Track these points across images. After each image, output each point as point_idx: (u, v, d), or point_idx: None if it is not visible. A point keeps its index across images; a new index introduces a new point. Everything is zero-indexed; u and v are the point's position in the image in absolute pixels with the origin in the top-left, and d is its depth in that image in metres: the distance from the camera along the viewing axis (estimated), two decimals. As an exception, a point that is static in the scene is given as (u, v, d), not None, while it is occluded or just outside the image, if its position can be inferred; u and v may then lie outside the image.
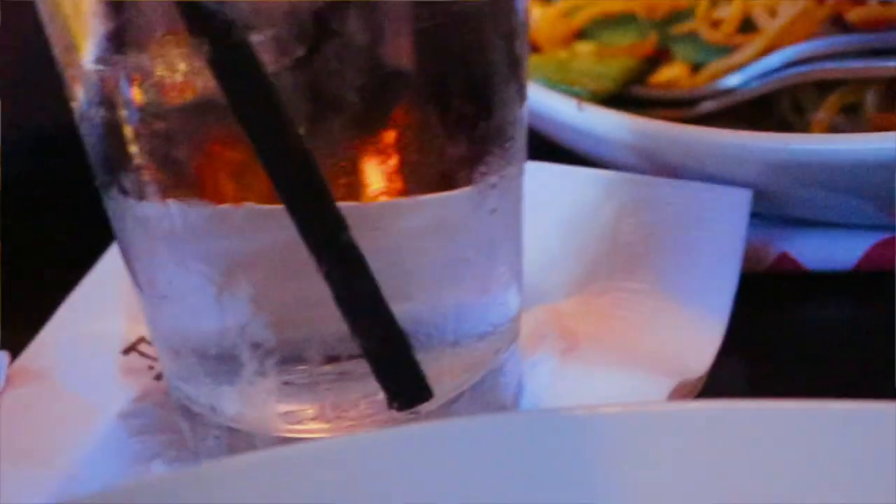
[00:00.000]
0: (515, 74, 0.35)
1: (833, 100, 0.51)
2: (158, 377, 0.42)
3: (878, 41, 0.50)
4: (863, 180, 0.43)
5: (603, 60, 0.55)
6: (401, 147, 0.34)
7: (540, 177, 0.46)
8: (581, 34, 0.61)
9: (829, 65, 0.50)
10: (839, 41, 0.50)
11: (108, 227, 0.37)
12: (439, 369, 0.36)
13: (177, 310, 0.36)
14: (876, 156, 0.42)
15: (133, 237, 0.36)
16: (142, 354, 0.43)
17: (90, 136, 0.35)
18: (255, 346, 0.35)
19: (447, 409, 0.37)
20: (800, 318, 0.47)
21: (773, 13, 0.54)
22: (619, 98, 0.54)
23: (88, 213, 0.38)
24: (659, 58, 0.58)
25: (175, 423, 0.39)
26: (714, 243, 0.45)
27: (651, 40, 0.57)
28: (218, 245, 0.34)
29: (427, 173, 0.35)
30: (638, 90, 0.55)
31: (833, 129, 0.51)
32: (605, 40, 0.60)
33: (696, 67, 0.56)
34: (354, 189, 0.34)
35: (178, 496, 0.30)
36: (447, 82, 0.34)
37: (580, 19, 0.60)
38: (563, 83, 0.52)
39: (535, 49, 0.60)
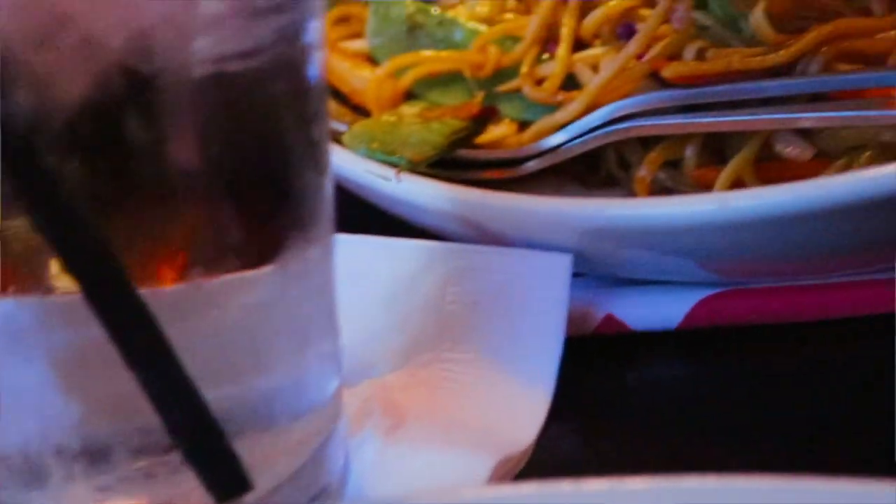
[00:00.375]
0: (313, 161, 0.35)
1: (653, 156, 0.51)
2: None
3: (695, 96, 0.50)
4: (680, 241, 0.44)
5: (427, 124, 0.54)
6: (200, 238, 0.33)
7: (360, 250, 0.46)
8: (410, 95, 0.60)
9: (649, 121, 0.50)
10: (657, 97, 0.51)
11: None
12: (258, 456, 0.35)
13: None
14: (690, 219, 0.42)
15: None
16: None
17: None
18: (60, 450, 0.33)
19: (271, 497, 0.36)
20: (627, 379, 0.47)
21: (595, 69, 0.54)
22: (447, 161, 0.54)
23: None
24: (488, 117, 0.57)
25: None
26: (537, 309, 0.45)
27: (477, 99, 0.57)
28: (9, 343, 0.33)
29: (229, 262, 0.34)
30: (464, 152, 0.55)
31: (655, 184, 0.51)
32: (433, 100, 0.59)
33: (523, 125, 0.56)
34: (155, 278, 0.33)
35: None
36: (239, 171, 0.33)
37: (407, 80, 0.60)
38: (383, 152, 0.51)
39: (364, 112, 0.60)
